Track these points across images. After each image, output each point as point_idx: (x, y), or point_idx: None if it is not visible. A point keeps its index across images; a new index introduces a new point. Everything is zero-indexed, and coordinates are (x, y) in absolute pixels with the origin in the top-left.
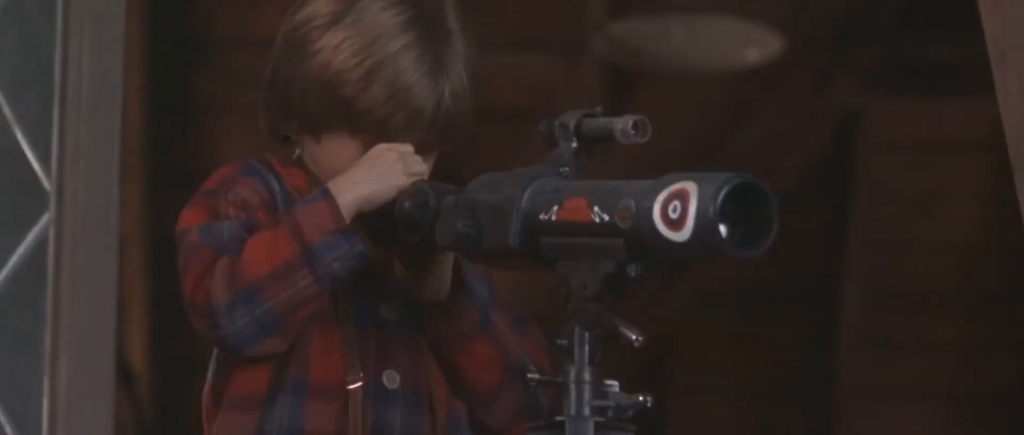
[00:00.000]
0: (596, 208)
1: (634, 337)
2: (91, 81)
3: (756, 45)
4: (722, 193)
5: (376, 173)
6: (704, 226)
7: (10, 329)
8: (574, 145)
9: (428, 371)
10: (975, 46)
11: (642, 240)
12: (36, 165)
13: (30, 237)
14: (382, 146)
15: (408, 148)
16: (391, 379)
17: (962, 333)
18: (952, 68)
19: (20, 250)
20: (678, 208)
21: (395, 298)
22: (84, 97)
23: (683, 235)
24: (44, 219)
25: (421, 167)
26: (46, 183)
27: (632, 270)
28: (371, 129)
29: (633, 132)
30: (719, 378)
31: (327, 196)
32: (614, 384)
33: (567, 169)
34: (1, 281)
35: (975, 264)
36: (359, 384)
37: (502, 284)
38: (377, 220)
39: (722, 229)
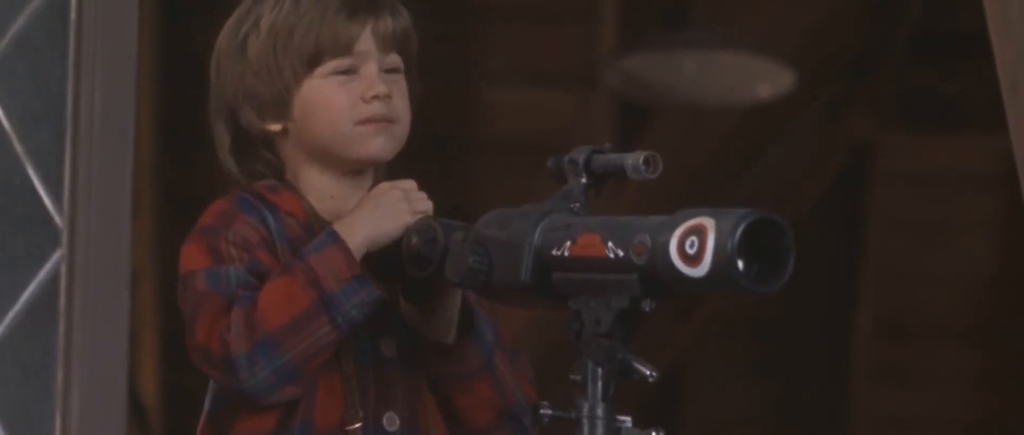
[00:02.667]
0: (610, 243)
1: (648, 372)
2: (103, 115)
3: (768, 80)
4: (740, 229)
5: (381, 213)
6: (722, 262)
7: (21, 364)
8: (584, 181)
9: (427, 410)
10: (986, 79)
11: (657, 275)
12: (47, 201)
13: (42, 273)
14: (385, 185)
15: (411, 184)
16: (391, 422)
17: (973, 365)
18: (963, 101)
19: (31, 286)
20: (695, 243)
21: (394, 333)
22: (96, 132)
23: (700, 271)
24: (56, 255)
25: (426, 204)
26: (58, 219)
27: (646, 305)
28: (327, 46)
29: (644, 167)
30: (731, 410)
31: (338, 241)
32: (626, 420)
33: (577, 205)
34: (13, 316)
35: (986, 296)
36: (359, 425)
37: (517, 318)
38: (382, 257)
39: (739, 264)
